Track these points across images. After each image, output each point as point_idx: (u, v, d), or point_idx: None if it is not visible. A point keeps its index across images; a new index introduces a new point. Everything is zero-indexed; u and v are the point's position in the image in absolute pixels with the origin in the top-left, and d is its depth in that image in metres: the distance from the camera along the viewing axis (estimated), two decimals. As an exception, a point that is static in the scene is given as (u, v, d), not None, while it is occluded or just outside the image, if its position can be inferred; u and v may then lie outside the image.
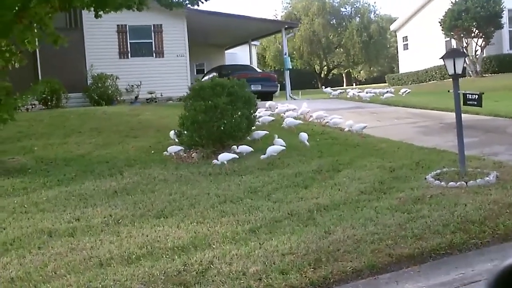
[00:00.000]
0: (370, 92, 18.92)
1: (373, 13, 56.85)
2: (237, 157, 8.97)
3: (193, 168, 8.96)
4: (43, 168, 9.18)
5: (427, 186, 7.26)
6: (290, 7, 57.94)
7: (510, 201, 6.40)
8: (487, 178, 7.28)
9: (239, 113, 9.55)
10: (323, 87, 29.70)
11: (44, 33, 9.67)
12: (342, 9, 57.33)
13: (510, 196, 6.56)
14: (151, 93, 20.16)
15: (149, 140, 10.88)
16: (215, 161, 8.78)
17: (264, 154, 8.99)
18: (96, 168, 9.07)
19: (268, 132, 10.81)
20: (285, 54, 23.44)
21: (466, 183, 7.17)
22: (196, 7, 12.80)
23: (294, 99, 23.23)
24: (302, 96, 23.96)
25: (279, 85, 22.73)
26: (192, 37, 25.85)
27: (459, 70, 7.54)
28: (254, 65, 45.22)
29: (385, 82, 37.12)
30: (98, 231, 6.25)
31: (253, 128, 10.55)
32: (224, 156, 8.68)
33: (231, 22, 22.91)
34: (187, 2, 12.28)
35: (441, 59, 7.65)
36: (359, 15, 55.96)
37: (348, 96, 19.62)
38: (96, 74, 17.57)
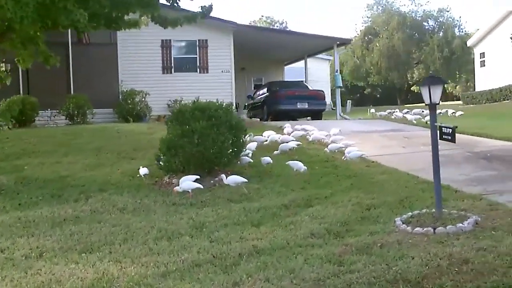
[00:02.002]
0: (416, 114, 17.67)
1: (457, 27, 54.33)
2: (201, 187, 8.38)
3: (161, 196, 8.48)
4: (17, 189, 9.02)
5: (390, 231, 6.37)
6: (370, 21, 56.53)
7: (469, 256, 5.39)
8: (461, 224, 6.28)
9: (223, 138, 8.94)
10: (396, 110, 28.43)
11: (36, 52, 9.45)
12: (425, 24, 55.16)
13: (472, 250, 5.55)
14: (192, 109, 19.90)
15: (145, 162, 10.50)
16: (176, 187, 8.26)
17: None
18: (66, 192, 8.79)
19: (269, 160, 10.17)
20: (336, 71, 22.59)
21: (435, 229, 6.22)
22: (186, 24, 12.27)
23: (345, 119, 22.27)
24: (353, 114, 22.94)
25: (326, 103, 21.80)
26: (250, 52, 25.63)
27: (435, 99, 6.61)
28: (327, 81, 44.87)
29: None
30: (10, 266, 5.88)
31: (244, 153, 9.93)
32: (188, 185, 8.12)
33: (281, 37, 22.44)
34: (183, 20, 11.82)
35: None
36: (442, 30, 53.54)
37: (392, 117, 18.45)
38: (125, 90, 17.53)
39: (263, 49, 24.81)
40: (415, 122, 16.83)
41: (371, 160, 10.81)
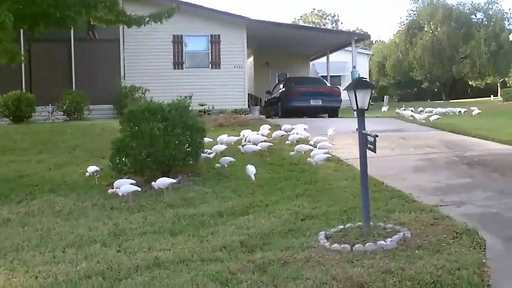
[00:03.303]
0: (428, 113, 16.89)
1: (507, 20, 52.01)
2: (139, 189, 8.09)
3: (105, 199, 8.25)
4: (-31, 187, 8.98)
5: (308, 246, 5.91)
6: (415, 14, 54.84)
7: (368, 280, 4.91)
8: (383, 242, 5.75)
9: (176, 140, 8.62)
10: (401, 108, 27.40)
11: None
12: (473, 17, 53.06)
13: (378, 272, 5.06)
14: (202, 105, 19.67)
15: (114, 161, 10.29)
16: (111, 190, 8.01)
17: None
18: (15, 192, 8.68)
19: (234, 160, 9.79)
20: (354, 68, 21.81)
21: (353, 246, 5.72)
22: (159, 23, 12.00)
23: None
24: (370, 112, 22.12)
25: (342, 100, 21.14)
26: (273, 47, 25.21)
27: (363, 104, 6.09)
28: (365, 75, 43.81)
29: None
30: None
31: (204, 154, 9.58)
32: (125, 188, 7.85)
33: (296, 33, 21.90)
34: (148, 19, 11.52)
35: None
36: (492, 23, 51.30)
37: (404, 116, 17.66)
38: (126, 86, 17.41)
39: (284, 44, 24.33)
40: (424, 121, 16.03)
41: (348, 163, 10.28)
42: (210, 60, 20.68)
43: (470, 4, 52.68)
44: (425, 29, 51.36)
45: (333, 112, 21.07)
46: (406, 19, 55.72)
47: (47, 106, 16.13)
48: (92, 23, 11.32)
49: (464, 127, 14.52)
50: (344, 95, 22.60)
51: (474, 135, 13.11)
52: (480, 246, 5.71)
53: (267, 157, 10.38)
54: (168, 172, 9.10)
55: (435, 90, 57.67)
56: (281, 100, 21.18)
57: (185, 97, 19.41)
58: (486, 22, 51.80)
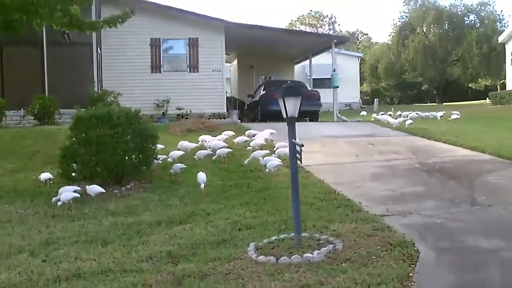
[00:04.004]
0: (404, 117, 16.75)
1: (499, 22, 51.81)
2: (78, 195, 7.94)
3: (49, 207, 8.09)
4: None
5: (236, 258, 5.79)
6: (407, 16, 54.67)
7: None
8: (309, 254, 5.61)
9: (125, 147, 8.48)
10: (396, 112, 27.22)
11: None
12: (466, 19, 52.85)
13: (294, 287, 4.94)
14: (179, 109, 19.55)
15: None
16: (54, 198, 7.87)
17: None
18: (-39, 200, 8.51)
19: (185, 166, 9.66)
20: (334, 71, 21.65)
21: (278, 258, 5.57)
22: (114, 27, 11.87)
23: (343, 120, 21.40)
24: (352, 116, 22.03)
25: (321, 104, 20.97)
26: (256, 50, 25.06)
27: (292, 113, 5.94)
28: (356, 78, 43.72)
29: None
30: None
31: (156, 161, 9.45)
32: (65, 196, 7.70)
33: (274, 35, 21.73)
34: (102, 24, 11.39)
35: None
36: (484, 25, 51.10)
37: (380, 120, 17.50)
38: (98, 91, 17.25)
39: (267, 47, 24.16)
40: (398, 126, 15.88)
41: (306, 170, 10.12)
42: (188, 63, 20.52)
43: (463, 6, 52.53)
44: (417, 31, 51.18)
45: (313, 116, 20.88)
46: (399, 21, 55.58)
47: (19, 111, 15.97)
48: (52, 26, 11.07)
49: (436, 132, 14.39)
50: (324, 99, 22.56)
51: (444, 141, 12.99)
52: (411, 259, 5.59)
53: (224, 163, 10.22)
54: (120, 179, 8.97)
55: (434, 92, 57.50)
56: (260, 103, 21.01)
57: (163, 100, 19.43)
58: (478, 24, 51.59)
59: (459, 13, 52.04)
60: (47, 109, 14.76)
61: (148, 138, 8.89)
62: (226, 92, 27.53)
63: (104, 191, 8.05)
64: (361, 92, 55.47)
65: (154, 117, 19.59)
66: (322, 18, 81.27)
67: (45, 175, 8.82)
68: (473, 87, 56.92)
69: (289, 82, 22.46)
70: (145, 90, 19.69)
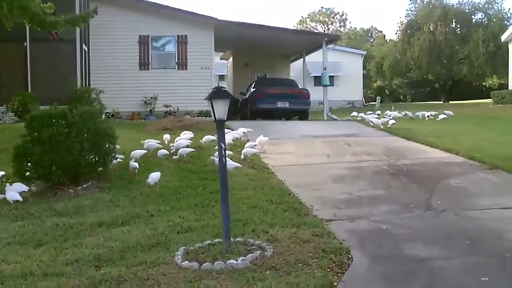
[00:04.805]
0: (388, 117, 16.52)
1: (506, 20, 51.08)
2: (20, 199, 7.83)
3: (-4, 205, 8.00)
4: None
5: (162, 263, 5.64)
6: (413, 14, 54.19)
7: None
8: (233, 261, 5.47)
9: (79, 146, 8.37)
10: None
11: None
12: (473, 17, 52.25)
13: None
14: (167, 106, 19.45)
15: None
16: (1, 196, 7.80)
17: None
18: None
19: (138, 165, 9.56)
20: (324, 69, 21.43)
21: (201, 264, 5.43)
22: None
23: (333, 119, 21.19)
24: (341, 115, 21.81)
25: (310, 103, 20.79)
26: (251, 47, 24.92)
27: (221, 115, 5.77)
28: (359, 76, 43.38)
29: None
30: None
31: (115, 161, 9.34)
32: (11, 196, 7.63)
33: (265, 33, 21.56)
34: (64, 23, 11.27)
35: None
36: (492, 23, 50.47)
37: (366, 120, 17.26)
38: (80, 87, 17.15)
39: (261, 44, 24.03)
40: (381, 126, 15.64)
41: (271, 171, 9.98)
42: (176, 61, 20.40)
43: (470, 4, 51.92)
44: (423, 29, 50.67)
45: (302, 115, 20.72)
46: (405, 19, 55.10)
47: (0, 107, 15.96)
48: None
49: (419, 132, 14.17)
50: (313, 97, 22.34)
51: (422, 142, 12.77)
52: (341, 267, 5.45)
53: (189, 162, 10.09)
54: (77, 179, 8.87)
55: (452, 89, 56.91)
56: (250, 101, 20.89)
57: (151, 98, 19.33)
58: (486, 22, 50.95)
59: (466, 11, 51.45)
60: (26, 106, 14.71)
61: (104, 137, 8.77)
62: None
63: (21, 199, 7.87)
64: (371, 90, 55.28)
65: (141, 114, 19.55)
66: (333, 15, 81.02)
67: (-1, 173, 8.75)
68: (487, 85, 56.10)
69: (280, 79, 22.32)
70: (133, 87, 19.64)
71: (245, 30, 21.42)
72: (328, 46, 23.75)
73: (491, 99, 32.49)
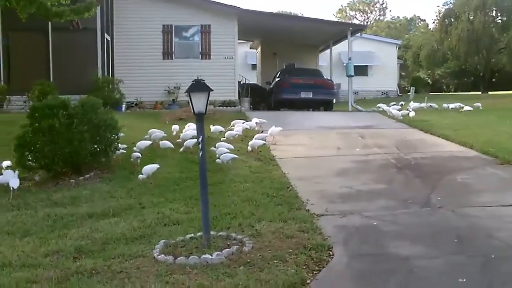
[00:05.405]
0: (408, 109, 16.16)
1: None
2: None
3: (-1, 196, 8.14)
4: None
5: (138, 256, 5.64)
6: (451, 3, 52.92)
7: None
8: (207, 255, 5.43)
9: (80, 137, 8.45)
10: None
11: None
12: (515, 4, 50.55)
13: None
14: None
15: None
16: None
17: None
18: None
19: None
20: (349, 59, 21.09)
21: (175, 258, 5.41)
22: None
23: (358, 110, 20.87)
24: (371, 105, 21.46)
25: (336, 93, 20.52)
26: (278, 37, 24.77)
27: (200, 108, 5.71)
28: (394, 67, 42.62)
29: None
30: None
31: (117, 151, 9.40)
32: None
33: (290, 23, 21.33)
34: (69, 13, 11.33)
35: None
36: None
37: (387, 112, 16.89)
38: (100, 77, 17.30)
39: (287, 34, 23.81)
40: (401, 118, 15.32)
41: (276, 163, 9.89)
42: (200, 50, 20.38)
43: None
44: (461, 18, 49.34)
45: (326, 105, 20.48)
46: (443, 8, 53.86)
47: (22, 96, 16.25)
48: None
49: (437, 125, 13.83)
50: (359, 86, 21.80)
51: (439, 135, 12.47)
52: (319, 264, 5.37)
53: (194, 154, 10.05)
54: (79, 169, 8.95)
55: (494, 80, 55.40)
56: (274, 91, 20.76)
57: (174, 87, 19.41)
58: (530, 10, 49.21)
59: (508, -2, 49.84)
60: (46, 95, 14.92)
61: (106, 128, 8.82)
62: (246, 78, 27.38)
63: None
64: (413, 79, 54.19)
65: (164, 104, 19.64)
66: (373, 4, 79.93)
67: (6, 163, 8.87)
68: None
69: (306, 69, 22.07)
70: (156, 76, 19.72)
71: (270, 20, 21.27)
72: (358, 35, 23.37)
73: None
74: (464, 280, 4.84)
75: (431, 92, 51.40)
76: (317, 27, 22.42)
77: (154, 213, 6.99)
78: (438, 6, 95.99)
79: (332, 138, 12.56)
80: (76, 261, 5.56)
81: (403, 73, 59.72)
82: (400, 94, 43.61)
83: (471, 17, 49.15)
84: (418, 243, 5.86)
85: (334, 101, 21.72)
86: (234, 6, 19.90)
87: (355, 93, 39.77)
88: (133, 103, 19.07)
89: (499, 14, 49.34)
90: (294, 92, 19.58)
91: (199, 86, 5.63)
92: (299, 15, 70.65)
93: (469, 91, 50.66)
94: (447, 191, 7.92)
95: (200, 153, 5.73)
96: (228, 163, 8.91)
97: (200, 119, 5.72)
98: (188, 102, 16.45)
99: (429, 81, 62.71)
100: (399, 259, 5.42)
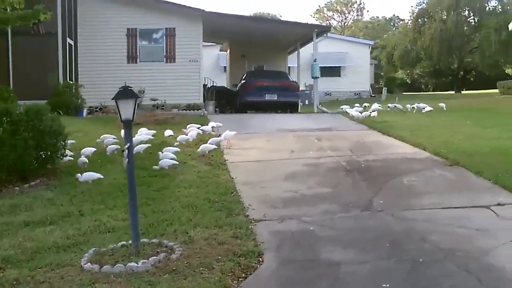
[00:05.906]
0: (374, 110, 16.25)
1: (523, 8, 49.90)
2: None
3: None
4: None
5: (65, 265, 5.55)
6: (424, 2, 53.41)
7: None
8: (133, 264, 5.36)
9: (23, 144, 8.33)
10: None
11: None
12: (486, 5, 51.18)
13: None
14: (154, 100, 19.36)
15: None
16: None
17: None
18: None
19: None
20: (314, 61, 21.13)
21: (101, 267, 5.34)
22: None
23: (323, 112, 20.93)
24: (336, 107, 21.53)
25: (300, 95, 20.55)
26: (247, 40, 24.74)
27: (127, 115, 5.64)
28: (367, 68, 42.84)
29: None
30: None
31: (65, 158, 9.30)
32: None
33: (257, 25, 21.32)
34: (17, 19, 11.20)
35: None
36: (506, 11, 49.37)
37: (350, 114, 16.96)
38: (61, 82, 17.11)
39: (255, 36, 23.81)
40: (362, 119, 15.38)
41: (226, 167, 9.86)
42: (165, 54, 20.29)
43: (484, -9, 50.86)
44: (435, 18, 49.79)
45: (292, 107, 20.51)
46: (416, 7, 54.35)
47: (-19, 102, 16.00)
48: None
49: (397, 126, 13.89)
50: (332, 88, 21.88)
51: (396, 136, 12.51)
52: (246, 272, 5.35)
53: (144, 160, 9.98)
54: (24, 176, 8.82)
55: (471, 79, 55.92)
56: (239, 94, 20.74)
57: (138, 91, 19.22)
58: (500, 10, 49.85)
59: (479, -2, 50.41)
60: (5, 101, 14.71)
61: (51, 134, 8.71)
62: (213, 81, 27.32)
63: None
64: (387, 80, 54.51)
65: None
66: (350, 4, 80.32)
67: None
68: (510, 74, 54.88)
69: (268, 71, 22.07)
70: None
71: (236, 22, 21.23)
72: (324, 36, 23.35)
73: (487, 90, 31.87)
74: (388, 285, 4.84)
75: (409, 92, 51.86)
76: (283, 29, 22.47)
77: (91, 221, 6.90)
78: (412, 6, 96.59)
79: (289, 141, 12.55)
80: (1, 272, 5.46)
81: (381, 73, 60.16)
82: (373, 95, 43.87)
83: (444, 17, 49.66)
84: (351, 248, 5.86)
85: (300, 103, 21.72)
86: (199, 9, 19.86)
87: (328, 94, 40.25)
88: (97, 107, 18.89)
89: (471, 13, 49.88)
90: (259, 95, 19.59)
91: (126, 93, 5.56)
92: (278, 17, 71.10)
93: (447, 91, 51.09)
94: (391, 194, 7.94)
95: (126, 160, 5.62)
96: (170, 168, 8.85)
97: (128, 126, 5.65)
98: (153, 106, 16.36)
99: (408, 80, 63.23)
100: (329, 265, 5.41)
